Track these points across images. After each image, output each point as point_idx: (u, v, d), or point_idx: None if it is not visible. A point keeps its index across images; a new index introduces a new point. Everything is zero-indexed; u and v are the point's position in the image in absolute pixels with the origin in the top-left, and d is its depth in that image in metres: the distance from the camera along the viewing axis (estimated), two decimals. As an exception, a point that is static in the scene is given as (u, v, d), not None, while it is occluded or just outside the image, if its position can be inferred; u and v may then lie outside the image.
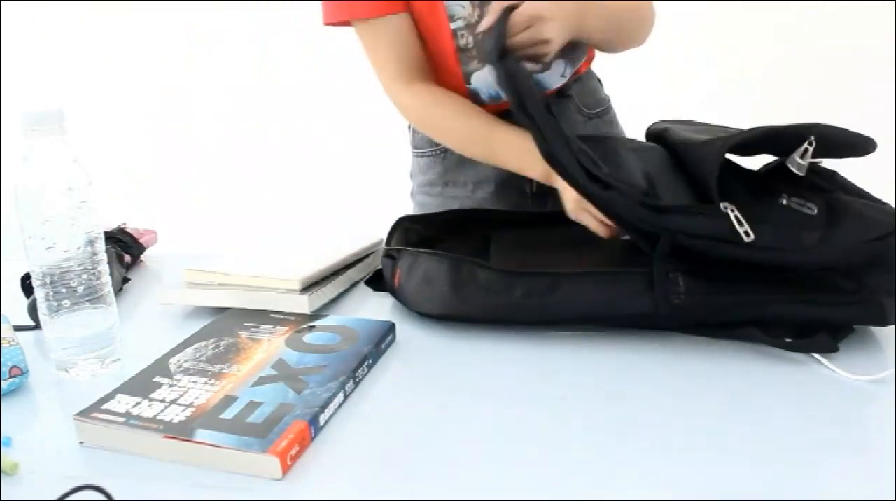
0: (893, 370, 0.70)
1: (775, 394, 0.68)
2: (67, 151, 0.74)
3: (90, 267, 0.76)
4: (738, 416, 0.65)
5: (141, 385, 0.71)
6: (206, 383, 0.71)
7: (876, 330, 0.78)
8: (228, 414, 0.66)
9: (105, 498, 0.55)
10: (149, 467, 0.62)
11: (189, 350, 0.78)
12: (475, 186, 1.17)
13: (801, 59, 2.27)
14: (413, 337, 0.84)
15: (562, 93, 1.14)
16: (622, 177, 0.77)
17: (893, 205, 0.78)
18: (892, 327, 0.76)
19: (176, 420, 0.65)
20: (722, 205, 0.74)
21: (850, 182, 0.83)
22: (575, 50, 1.09)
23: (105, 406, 0.67)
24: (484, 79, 1.09)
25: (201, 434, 0.62)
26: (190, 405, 0.67)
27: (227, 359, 0.76)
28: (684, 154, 0.83)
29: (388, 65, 1.06)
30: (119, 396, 0.69)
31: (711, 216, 0.74)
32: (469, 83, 1.09)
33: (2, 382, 0.73)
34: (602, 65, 1.21)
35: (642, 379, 0.72)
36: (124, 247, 1.08)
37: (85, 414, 0.66)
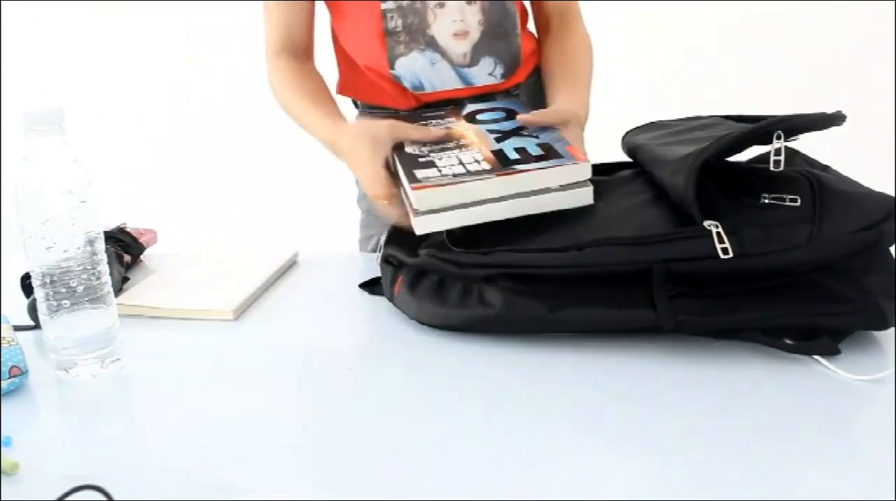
0: (893, 370, 0.70)
1: (775, 394, 0.68)
2: (67, 151, 0.74)
3: (90, 267, 0.76)
4: (738, 416, 0.65)
5: (417, 163, 0.84)
6: (457, 147, 0.87)
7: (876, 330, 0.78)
8: (515, 155, 0.82)
9: (105, 498, 0.55)
10: (149, 467, 0.62)
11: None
12: None
13: (800, 59, 2.27)
14: (412, 337, 0.83)
15: (509, 93, 1.13)
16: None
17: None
18: (892, 327, 0.76)
19: (487, 166, 0.81)
20: (706, 224, 0.73)
21: (843, 176, 0.83)
22: (501, 48, 1.09)
23: (421, 175, 0.81)
24: (408, 66, 1.07)
25: (520, 167, 0.80)
26: (477, 161, 0.82)
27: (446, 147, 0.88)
28: (659, 180, 0.82)
29: (268, 39, 1.11)
30: (416, 171, 0.82)
31: (695, 238, 0.73)
32: (393, 68, 1.07)
33: (2, 382, 0.73)
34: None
35: (642, 380, 0.72)
36: (124, 247, 1.08)
37: (416, 184, 0.80)
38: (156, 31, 2.53)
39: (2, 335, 0.76)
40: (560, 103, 1.02)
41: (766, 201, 0.75)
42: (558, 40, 1.15)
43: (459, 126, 0.95)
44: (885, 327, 0.75)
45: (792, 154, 0.85)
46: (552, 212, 0.82)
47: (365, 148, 0.89)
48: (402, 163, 0.86)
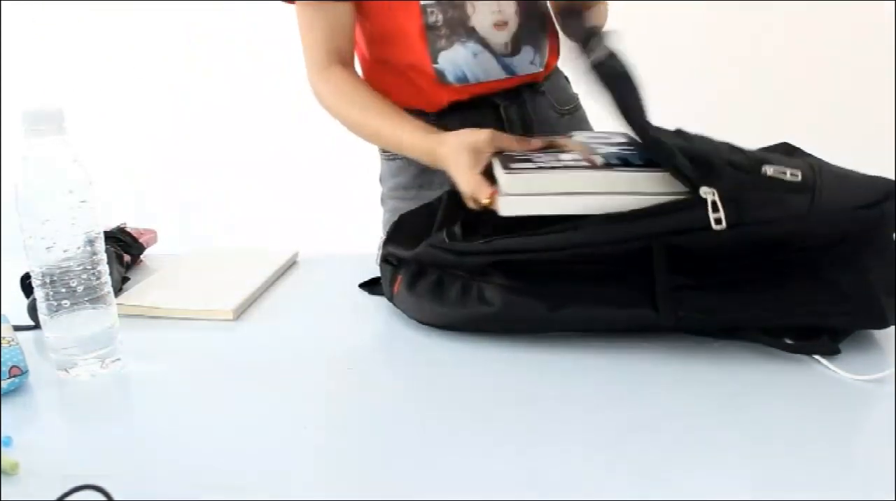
0: (893, 370, 0.70)
1: (775, 394, 0.69)
2: (68, 151, 0.74)
3: (90, 267, 0.76)
4: (738, 416, 0.65)
5: (513, 159, 0.85)
6: (559, 151, 0.88)
7: (876, 330, 0.78)
8: (616, 161, 0.82)
9: (105, 498, 0.55)
10: (149, 467, 0.62)
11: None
12: (453, 187, 1.15)
13: (800, 59, 2.27)
14: (412, 337, 0.83)
15: (535, 88, 1.14)
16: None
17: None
18: (892, 327, 0.76)
19: (585, 163, 0.82)
20: (702, 191, 0.73)
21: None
22: (538, 37, 1.11)
23: (512, 166, 0.82)
24: (452, 58, 1.07)
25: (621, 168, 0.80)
26: (576, 160, 0.83)
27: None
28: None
29: (313, 50, 1.08)
30: (512, 164, 0.83)
31: (692, 207, 0.73)
32: (436, 62, 1.07)
33: (2, 382, 0.73)
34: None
35: (642, 379, 0.72)
36: (124, 247, 1.08)
37: (508, 170, 0.81)
38: (156, 31, 2.53)
39: (2, 335, 0.76)
40: None
41: (768, 173, 0.76)
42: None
43: (563, 140, 0.95)
44: (884, 326, 0.75)
45: (792, 150, 0.86)
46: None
47: (466, 157, 0.89)
48: (500, 159, 0.87)
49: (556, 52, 1.17)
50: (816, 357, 0.73)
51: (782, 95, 2.24)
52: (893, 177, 0.77)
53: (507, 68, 1.09)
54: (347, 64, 1.09)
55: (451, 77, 1.08)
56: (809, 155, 0.85)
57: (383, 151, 1.20)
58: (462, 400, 0.71)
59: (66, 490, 0.55)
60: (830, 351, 0.73)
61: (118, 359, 0.79)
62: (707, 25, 2.28)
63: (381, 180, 1.23)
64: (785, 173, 0.75)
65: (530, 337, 0.80)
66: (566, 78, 1.23)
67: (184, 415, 0.71)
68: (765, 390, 0.69)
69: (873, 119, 2.23)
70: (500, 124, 1.12)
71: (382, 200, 1.24)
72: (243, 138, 2.59)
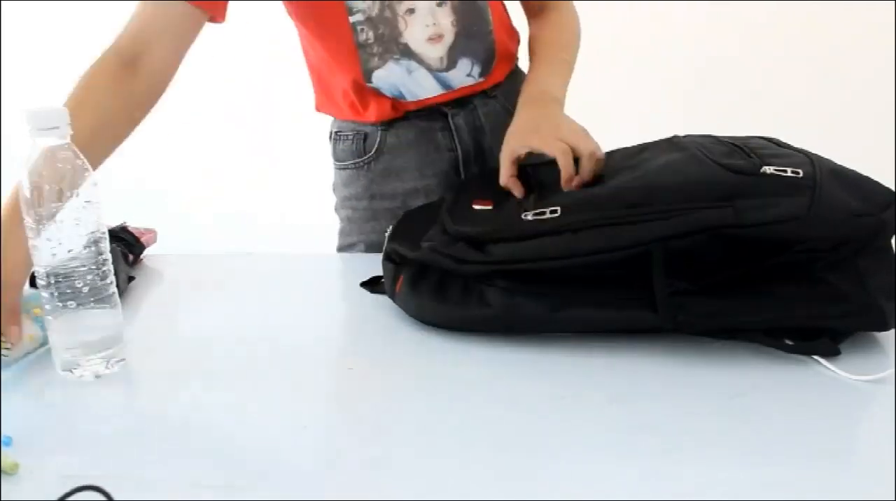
0: (893, 370, 0.70)
1: (775, 394, 0.69)
2: (72, 151, 0.74)
3: (95, 268, 0.76)
4: (738, 416, 0.66)
5: None
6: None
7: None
8: None
9: (105, 498, 0.55)
10: (149, 467, 0.62)
11: None
12: (405, 197, 1.13)
13: (800, 59, 2.27)
14: (412, 337, 0.84)
15: (487, 94, 1.13)
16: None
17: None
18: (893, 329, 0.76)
19: None
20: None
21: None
22: (477, 48, 1.08)
23: None
24: (385, 77, 1.06)
25: None
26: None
27: None
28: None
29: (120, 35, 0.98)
30: None
31: (696, 210, 0.73)
32: (370, 81, 1.06)
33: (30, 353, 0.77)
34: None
35: (642, 379, 0.72)
36: (127, 246, 1.08)
37: None
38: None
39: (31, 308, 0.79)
40: (521, 105, 1.02)
41: (769, 172, 0.75)
42: (543, 17, 1.15)
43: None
44: (885, 328, 0.75)
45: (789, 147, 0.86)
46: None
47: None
48: None
49: (507, 58, 1.15)
50: (816, 357, 0.73)
51: (782, 95, 2.24)
52: (894, 178, 0.77)
53: (443, 83, 1.08)
54: (129, 67, 0.95)
55: (387, 93, 1.07)
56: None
57: (336, 159, 1.19)
58: (462, 399, 0.71)
59: (66, 490, 0.55)
60: (831, 352, 0.73)
61: (122, 360, 0.79)
62: (707, 25, 2.28)
63: (333, 189, 1.22)
64: (786, 170, 0.75)
65: (530, 337, 0.80)
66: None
67: (184, 415, 0.71)
68: (765, 390, 0.69)
69: (873, 119, 2.23)
70: (447, 132, 1.12)
71: (336, 209, 1.23)
72: (243, 138, 2.59)
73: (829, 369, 0.71)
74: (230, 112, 2.57)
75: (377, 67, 1.05)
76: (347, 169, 1.16)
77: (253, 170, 2.61)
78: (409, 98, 1.08)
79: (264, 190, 2.60)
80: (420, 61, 1.06)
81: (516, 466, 0.60)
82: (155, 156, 2.66)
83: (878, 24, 2.22)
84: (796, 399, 0.68)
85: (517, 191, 0.89)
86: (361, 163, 1.15)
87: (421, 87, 1.07)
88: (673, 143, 0.89)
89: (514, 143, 0.94)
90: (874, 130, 2.23)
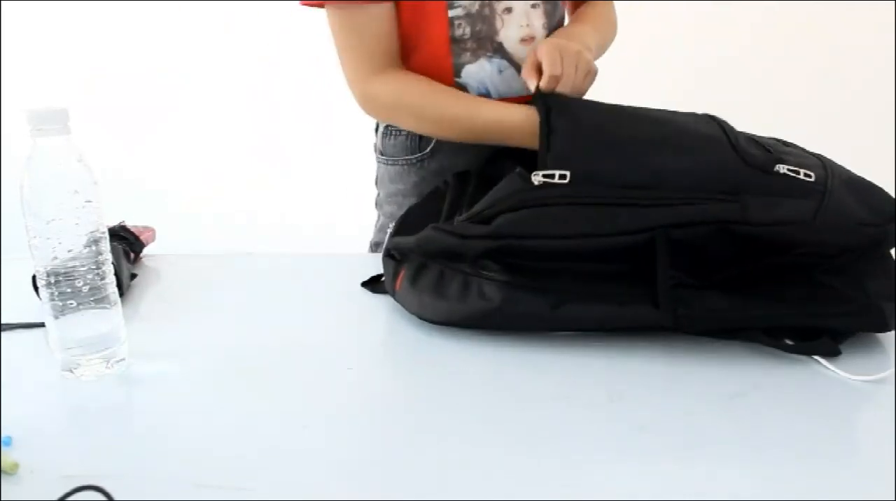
0: (893, 370, 0.70)
1: (775, 394, 0.69)
2: (73, 151, 0.74)
3: (95, 268, 0.76)
4: (738, 416, 0.66)
5: None
6: None
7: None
8: None
9: (105, 498, 0.55)
10: (149, 467, 0.62)
11: None
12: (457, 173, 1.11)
13: (800, 59, 2.27)
14: (412, 337, 0.84)
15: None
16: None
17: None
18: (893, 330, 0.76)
19: None
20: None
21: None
22: None
23: None
24: (475, 74, 1.06)
25: None
26: None
27: None
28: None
29: (356, 56, 1.02)
30: None
31: (701, 202, 0.74)
32: (458, 76, 1.06)
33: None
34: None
35: (642, 379, 0.73)
36: (128, 244, 1.08)
37: None
38: (156, 32, 2.53)
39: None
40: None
41: (782, 170, 0.75)
42: (583, 8, 1.17)
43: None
44: (885, 329, 0.75)
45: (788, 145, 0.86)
46: None
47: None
48: None
49: None
50: (816, 357, 0.73)
51: (782, 95, 2.24)
52: (894, 178, 0.77)
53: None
54: (399, 64, 1.04)
55: (473, 92, 1.06)
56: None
57: (383, 154, 1.17)
58: (462, 399, 0.71)
59: (66, 490, 0.55)
60: (831, 352, 0.73)
61: (123, 359, 0.79)
62: (707, 25, 2.28)
63: (377, 183, 1.21)
64: (798, 172, 0.75)
65: (530, 336, 0.81)
66: None
67: (184, 415, 0.71)
68: (765, 390, 0.69)
69: (873, 119, 2.23)
70: None
71: (378, 204, 1.22)
72: (243, 138, 2.59)
73: (829, 369, 0.72)
74: (230, 112, 2.57)
75: (468, 63, 1.05)
76: (398, 164, 1.15)
77: (253, 170, 2.61)
78: (495, 96, 1.07)
79: (264, 190, 2.60)
80: (511, 61, 1.06)
81: (517, 465, 0.60)
82: (155, 156, 2.66)
83: (878, 25, 2.22)
84: (796, 399, 0.68)
85: (532, 82, 0.93)
86: (414, 160, 1.13)
87: (509, 87, 1.07)
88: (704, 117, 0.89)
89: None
90: (874, 130, 2.23)
